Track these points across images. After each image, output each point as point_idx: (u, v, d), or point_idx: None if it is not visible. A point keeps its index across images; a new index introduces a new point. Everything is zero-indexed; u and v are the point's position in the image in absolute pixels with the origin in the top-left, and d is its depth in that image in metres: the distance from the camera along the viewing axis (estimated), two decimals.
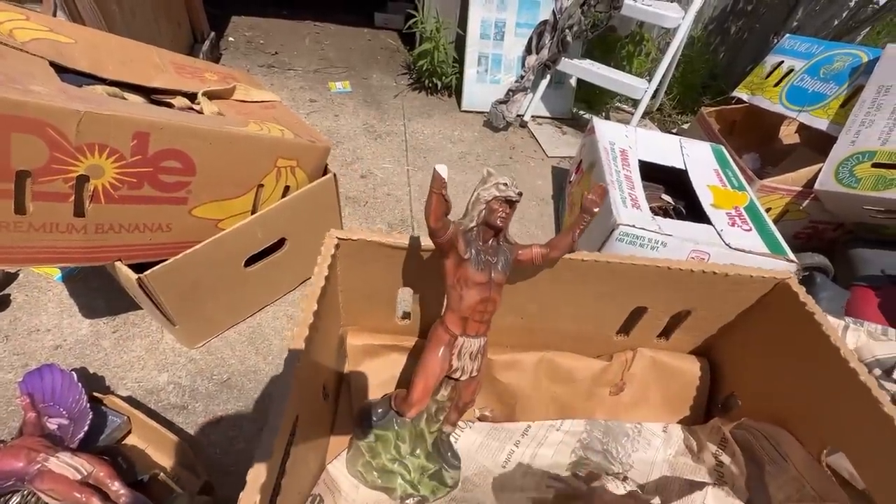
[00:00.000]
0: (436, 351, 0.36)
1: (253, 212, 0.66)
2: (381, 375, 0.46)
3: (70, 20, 0.82)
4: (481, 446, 0.46)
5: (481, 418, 0.49)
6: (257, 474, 0.24)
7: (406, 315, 0.48)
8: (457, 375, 0.38)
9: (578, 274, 0.43)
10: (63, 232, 0.49)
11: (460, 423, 0.47)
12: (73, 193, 0.48)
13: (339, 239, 0.38)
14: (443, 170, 0.30)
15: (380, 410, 0.40)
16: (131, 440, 0.57)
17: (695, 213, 0.84)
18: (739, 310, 0.48)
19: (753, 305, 0.47)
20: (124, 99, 0.58)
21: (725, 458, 0.44)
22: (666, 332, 0.51)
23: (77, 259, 0.53)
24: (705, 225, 0.77)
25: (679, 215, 0.92)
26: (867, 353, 0.49)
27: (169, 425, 0.60)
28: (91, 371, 0.65)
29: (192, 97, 0.66)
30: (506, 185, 0.34)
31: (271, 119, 0.70)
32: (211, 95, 0.68)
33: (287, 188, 0.69)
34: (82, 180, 0.48)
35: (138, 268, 0.56)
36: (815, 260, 0.88)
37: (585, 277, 0.43)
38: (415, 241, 0.39)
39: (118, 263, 0.56)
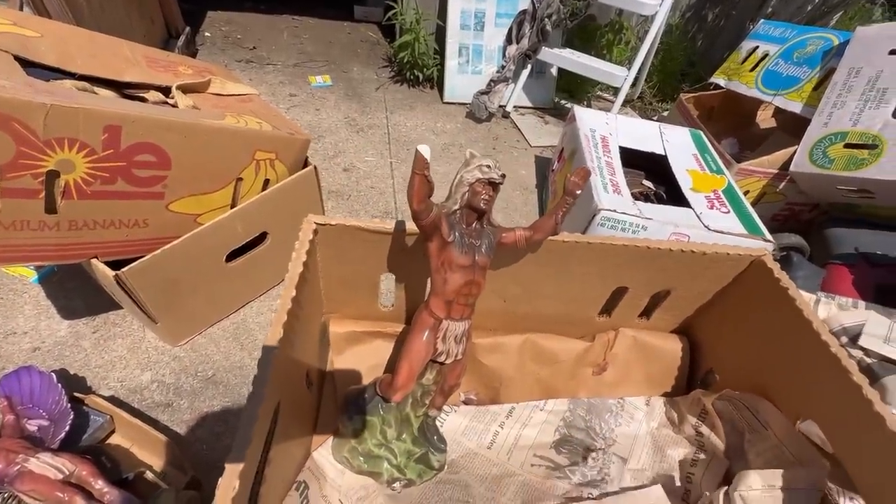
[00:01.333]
0: (420, 335, 0.37)
1: (232, 206, 0.65)
2: (365, 362, 0.46)
3: (36, 14, 0.80)
4: (467, 429, 0.47)
5: (466, 402, 0.49)
6: (236, 461, 0.24)
7: (390, 302, 0.48)
8: (442, 359, 0.38)
9: (560, 256, 0.44)
10: (35, 229, 0.48)
11: (445, 407, 0.47)
12: (44, 189, 0.46)
13: (317, 224, 0.38)
14: (425, 150, 0.30)
15: (365, 396, 0.40)
16: (115, 440, 0.57)
17: (675, 197, 0.85)
18: (717, 288, 0.49)
19: (730, 283, 0.48)
20: (94, 93, 0.57)
21: (705, 430, 0.45)
22: (647, 312, 0.52)
23: (51, 257, 0.52)
24: (685, 208, 0.79)
25: (660, 200, 0.93)
26: (835, 322, 0.50)
27: (154, 423, 0.59)
28: (72, 372, 0.63)
29: (165, 91, 0.65)
30: (489, 166, 0.34)
31: (248, 112, 0.69)
32: (185, 89, 0.66)
33: (267, 181, 0.68)
34: (52, 176, 0.46)
35: (116, 265, 0.55)
36: (792, 240, 0.90)
37: (567, 259, 0.44)
38: (396, 226, 0.39)
39: (94, 261, 0.55)
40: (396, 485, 0.40)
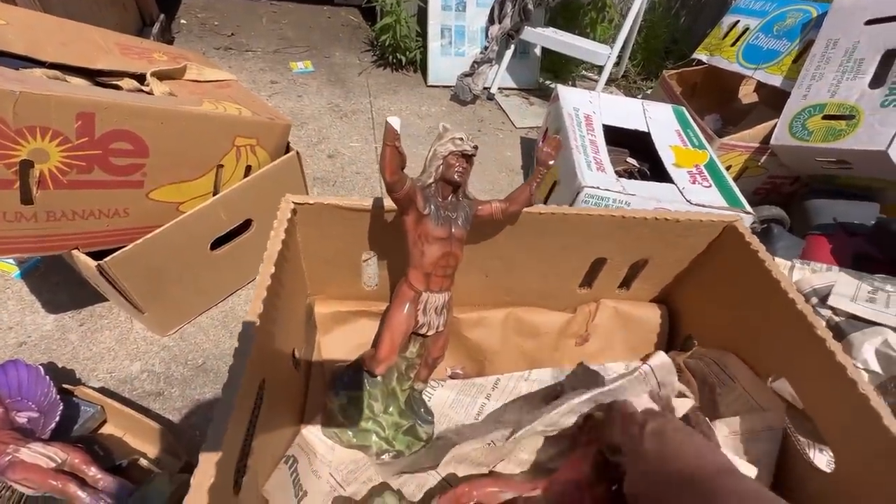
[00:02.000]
0: (401, 307, 0.37)
1: (214, 193, 0.64)
2: (351, 341, 0.47)
3: (1, 1, 0.77)
4: (454, 402, 0.48)
5: (453, 376, 0.50)
6: (218, 428, 0.25)
7: (373, 282, 0.49)
8: (423, 331, 0.39)
9: (538, 228, 0.44)
10: (11, 221, 0.48)
11: (433, 381, 0.48)
12: (18, 180, 0.46)
13: (295, 204, 0.38)
14: (395, 121, 0.30)
15: (350, 373, 0.41)
16: (107, 429, 0.57)
17: (658, 173, 0.86)
18: (692, 255, 0.50)
19: (705, 251, 0.49)
20: (66, 81, 0.56)
21: (681, 387, 0.47)
22: (626, 283, 0.53)
23: (30, 249, 0.51)
24: (668, 184, 0.80)
25: (643, 177, 0.94)
26: (806, 284, 0.52)
27: (145, 412, 0.59)
28: (60, 365, 0.63)
29: (140, 79, 0.64)
30: (461, 139, 0.35)
31: (227, 98, 0.68)
32: (161, 76, 0.65)
33: (249, 168, 0.68)
34: (26, 165, 0.46)
35: (98, 256, 0.54)
36: (772, 212, 0.92)
37: (545, 231, 0.44)
38: (374, 203, 0.40)
39: (76, 252, 0.54)
40: (385, 456, 0.41)
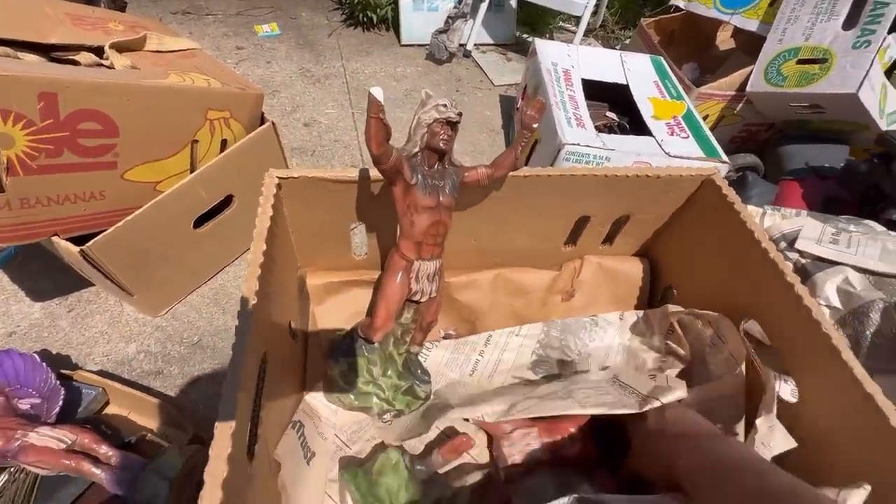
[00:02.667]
0: (394, 276, 0.38)
1: (191, 171, 0.63)
2: (345, 311, 0.48)
3: None
4: (449, 361, 0.50)
5: (446, 337, 0.52)
6: (229, 402, 0.26)
7: (363, 252, 0.49)
8: (417, 298, 0.40)
9: (523, 191, 0.45)
10: None
11: (427, 343, 0.50)
12: None
13: (279, 178, 0.38)
14: (378, 92, 0.29)
15: (348, 340, 0.42)
16: (112, 409, 0.58)
17: (637, 126, 0.87)
18: (672, 209, 0.52)
19: (685, 204, 0.51)
20: (18, 59, 0.52)
21: (672, 343, 0.49)
22: (609, 239, 0.55)
23: (7, 238, 0.50)
24: (646, 137, 0.80)
25: (623, 131, 0.94)
26: (776, 230, 0.55)
27: (147, 391, 0.60)
28: (54, 352, 0.64)
29: (98, 52, 0.60)
30: (445, 106, 0.34)
31: (193, 68, 0.65)
32: (119, 48, 0.62)
33: (224, 142, 0.66)
34: None
35: (79, 241, 0.53)
36: (747, 160, 0.94)
37: (530, 193, 0.45)
38: (360, 174, 0.40)
39: (56, 239, 0.53)
40: (387, 416, 0.44)
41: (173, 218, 0.62)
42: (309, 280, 0.48)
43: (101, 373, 0.62)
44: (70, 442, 0.49)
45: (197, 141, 0.63)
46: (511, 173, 0.42)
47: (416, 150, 0.35)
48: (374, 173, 0.39)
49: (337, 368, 0.42)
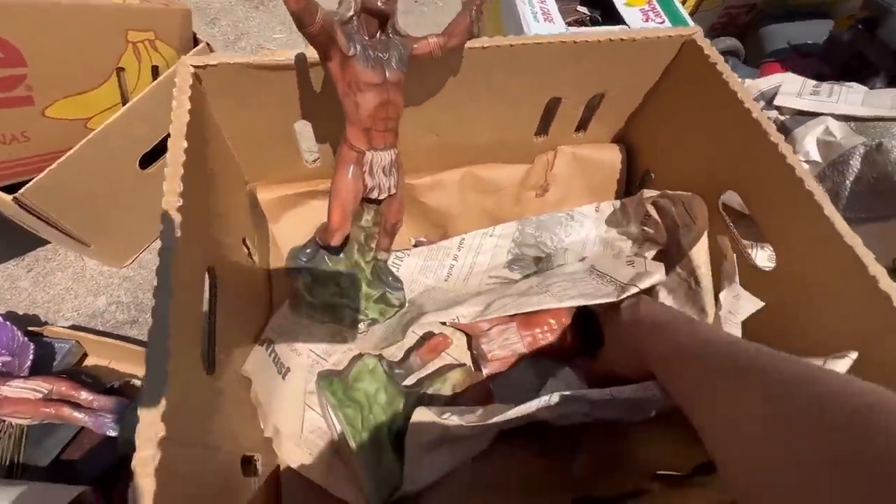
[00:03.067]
0: (345, 171, 0.35)
1: (123, 103, 0.57)
2: (305, 226, 0.45)
3: None
4: (423, 268, 0.48)
5: (417, 244, 0.50)
6: (160, 313, 0.24)
7: (314, 158, 0.46)
8: (374, 195, 0.37)
9: (485, 68, 0.40)
10: None
11: (398, 253, 0.48)
12: None
13: (195, 67, 0.33)
14: None
15: (308, 251, 0.40)
16: (91, 361, 0.57)
17: (611, 17, 0.80)
18: (650, 83, 0.48)
19: (662, 76, 0.47)
20: None
21: (649, 229, 0.48)
22: (583, 126, 0.51)
23: None
24: (620, 26, 0.74)
25: (595, 24, 0.88)
26: (754, 89, 0.52)
27: (125, 339, 0.59)
28: (20, 313, 0.61)
29: None
30: None
31: None
32: None
33: (156, 69, 0.60)
34: None
35: (13, 191, 0.49)
36: (727, 44, 0.88)
37: (493, 70, 0.41)
38: (296, 57, 0.34)
39: None
40: (362, 325, 0.43)
41: (113, 157, 0.57)
42: (260, 195, 0.45)
43: (74, 327, 0.60)
44: (46, 391, 0.48)
45: (123, 69, 0.56)
46: (470, 46, 0.37)
47: (351, 13, 0.30)
48: (312, 54, 0.34)
49: (301, 281, 0.40)
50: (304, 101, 0.38)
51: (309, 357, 0.42)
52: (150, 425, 0.21)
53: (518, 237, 0.49)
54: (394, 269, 0.47)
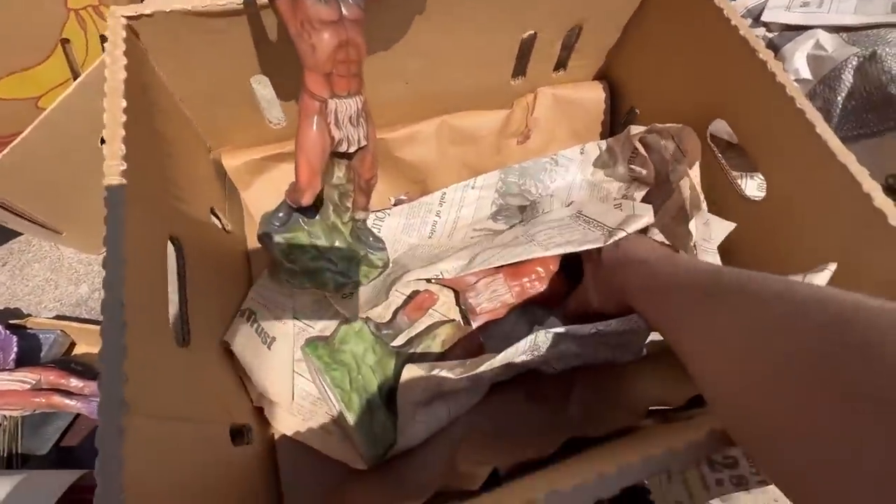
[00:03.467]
0: (308, 123, 0.32)
1: (74, 78, 0.54)
2: (277, 191, 0.42)
3: None
4: (405, 227, 0.46)
5: (397, 203, 0.48)
6: (112, 280, 0.22)
7: (277, 118, 0.43)
8: (343, 148, 0.34)
9: (449, 4, 0.37)
10: None
11: (379, 213, 0.46)
12: None
13: (127, 18, 0.30)
14: None
15: (280, 214, 0.38)
16: (81, 349, 0.56)
17: None
18: (630, 10, 0.45)
19: (643, 1, 0.44)
20: None
21: (638, 167, 0.46)
22: (562, 64, 0.48)
23: None
24: None
25: None
26: (740, 6, 0.48)
27: None
28: (0, 307, 0.60)
29: None
30: None
31: None
32: None
33: (105, 38, 0.56)
34: None
35: None
36: None
37: (460, 6, 0.38)
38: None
39: None
40: (346, 290, 0.41)
41: (72, 137, 0.54)
42: (225, 161, 0.42)
43: (58, 317, 0.59)
44: (34, 382, 0.47)
45: (68, 40, 0.52)
46: None
47: None
48: None
49: (276, 247, 0.39)
50: (259, 52, 0.35)
51: (295, 325, 0.41)
52: (110, 400, 0.20)
53: (501, 187, 0.47)
54: (375, 231, 0.45)
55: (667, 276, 0.29)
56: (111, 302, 0.22)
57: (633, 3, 0.44)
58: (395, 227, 0.46)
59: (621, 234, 0.36)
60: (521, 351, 0.30)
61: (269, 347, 0.39)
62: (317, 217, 0.39)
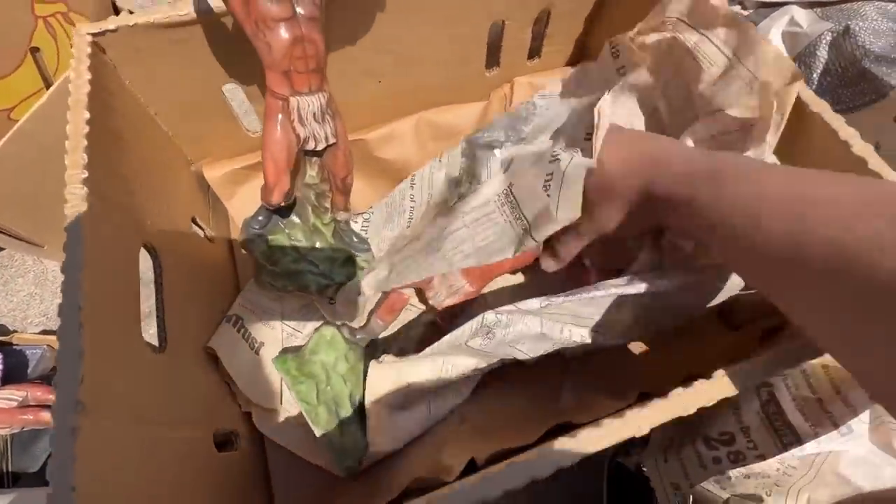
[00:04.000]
0: (272, 123, 0.32)
1: (47, 87, 0.53)
2: (257, 198, 0.42)
3: None
4: (387, 220, 0.45)
5: None
6: (70, 286, 0.22)
7: (254, 126, 0.42)
8: (311, 146, 0.34)
9: None
10: None
11: (364, 213, 0.46)
12: None
13: (92, 35, 0.30)
14: None
15: (259, 218, 0.38)
16: None
17: None
18: None
19: None
20: None
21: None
22: (536, 52, 0.48)
23: None
24: None
25: None
26: None
27: None
28: None
29: None
30: None
31: None
32: None
33: None
34: None
35: None
36: None
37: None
38: (197, 6, 0.31)
39: None
40: (329, 291, 0.41)
41: (48, 149, 0.53)
42: (206, 173, 0.42)
43: (45, 332, 0.58)
44: (21, 398, 0.47)
45: (38, 48, 0.52)
46: None
47: None
48: (218, 4, 0.31)
49: (257, 251, 0.38)
50: (227, 60, 0.35)
51: (283, 331, 0.40)
52: (65, 399, 0.19)
53: (466, 149, 0.43)
54: (363, 232, 0.44)
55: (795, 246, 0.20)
56: (67, 304, 0.22)
57: None
58: (379, 223, 0.45)
59: (530, 244, 0.33)
60: (470, 333, 0.30)
61: (256, 353, 0.39)
62: (294, 218, 0.39)
